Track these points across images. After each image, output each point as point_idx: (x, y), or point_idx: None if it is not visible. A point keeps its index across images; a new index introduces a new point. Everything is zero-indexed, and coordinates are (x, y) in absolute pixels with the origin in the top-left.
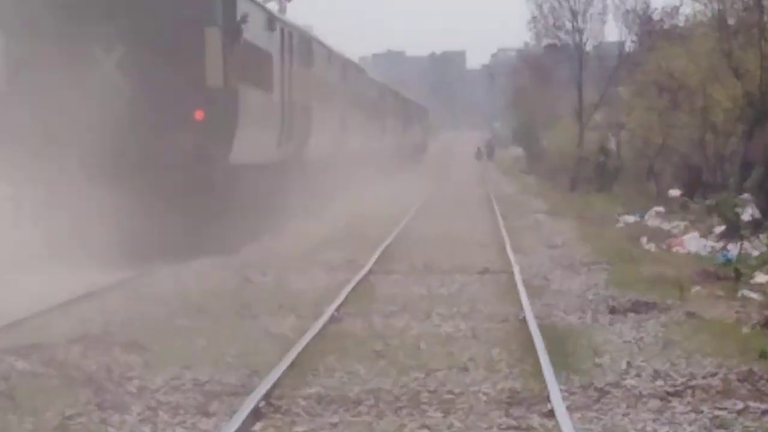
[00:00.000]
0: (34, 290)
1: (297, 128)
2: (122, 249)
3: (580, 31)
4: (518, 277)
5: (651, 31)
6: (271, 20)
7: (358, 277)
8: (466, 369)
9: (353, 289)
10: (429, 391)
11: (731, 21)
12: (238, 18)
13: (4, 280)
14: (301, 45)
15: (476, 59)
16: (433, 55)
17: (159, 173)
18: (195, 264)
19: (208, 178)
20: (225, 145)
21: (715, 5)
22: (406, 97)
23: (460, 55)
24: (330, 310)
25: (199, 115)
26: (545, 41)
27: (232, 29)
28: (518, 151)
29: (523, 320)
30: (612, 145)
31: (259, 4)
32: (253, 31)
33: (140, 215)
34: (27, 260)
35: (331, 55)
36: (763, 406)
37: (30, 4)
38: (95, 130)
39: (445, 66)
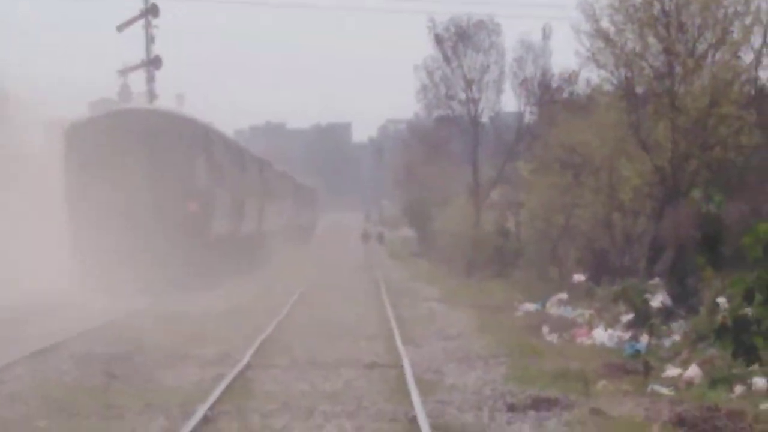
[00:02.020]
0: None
1: (237, 213)
2: (144, 287)
3: (475, 102)
4: (408, 372)
5: (550, 101)
6: (226, 142)
7: (234, 372)
8: None
9: (228, 385)
10: None
11: (639, 90)
12: (212, 147)
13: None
14: (238, 155)
15: (363, 131)
16: (316, 128)
17: (166, 241)
18: (54, 358)
19: (199, 243)
20: (208, 223)
21: (622, 72)
22: (298, 181)
23: (345, 127)
24: (203, 409)
25: (192, 206)
26: (437, 112)
27: (209, 153)
28: (409, 232)
29: (414, 419)
30: (511, 226)
31: (221, 134)
32: (218, 152)
33: (154, 269)
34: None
35: (252, 158)
36: None
37: (93, 151)
38: (133, 220)
39: (329, 139)
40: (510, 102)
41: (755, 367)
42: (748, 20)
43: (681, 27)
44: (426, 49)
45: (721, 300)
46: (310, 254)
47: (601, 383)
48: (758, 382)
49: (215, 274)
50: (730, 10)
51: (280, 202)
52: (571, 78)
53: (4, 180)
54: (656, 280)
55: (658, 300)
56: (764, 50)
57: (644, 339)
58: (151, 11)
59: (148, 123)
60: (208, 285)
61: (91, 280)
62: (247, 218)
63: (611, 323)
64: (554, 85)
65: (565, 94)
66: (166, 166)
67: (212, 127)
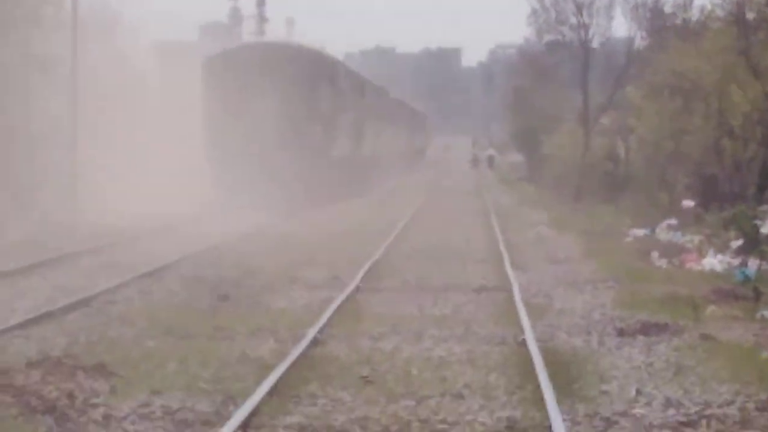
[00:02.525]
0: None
1: (356, 137)
2: (276, 204)
3: (586, 27)
4: (517, 296)
5: (662, 27)
6: (346, 71)
7: (343, 296)
8: (461, 396)
9: (338, 308)
10: (420, 421)
11: (750, 15)
12: (335, 76)
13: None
14: (358, 83)
15: (473, 56)
16: (426, 52)
17: (297, 162)
18: (164, 279)
19: (323, 164)
20: (331, 145)
21: None
22: (412, 107)
23: (456, 52)
24: (312, 332)
25: (316, 129)
26: (547, 37)
27: (332, 81)
28: (517, 157)
29: (523, 343)
30: (620, 151)
31: (343, 65)
32: (340, 80)
33: (286, 186)
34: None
35: (371, 86)
36: None
37: (228, 81)
38: (264, 141)
39: (439, 63)
40: (620, 28)
41: None
42: None
43: None
44: None
45: None
46: (421, 177)
47: (710, 309)
48: None
49: (336, 193)
50: None
51: (394, 127)
52: (684, 4)
53: (118, 103)
54: (766, 207)
55: None
56: None
57: (754, 265)
58: None
59: (277, 55)
60: (328, 204)
61: (225, 199)
62: (365, 142)
63: (721, 249)
64: (667, 11)
65: (678, 21)
66: (294, 93)
67: (335, 58)
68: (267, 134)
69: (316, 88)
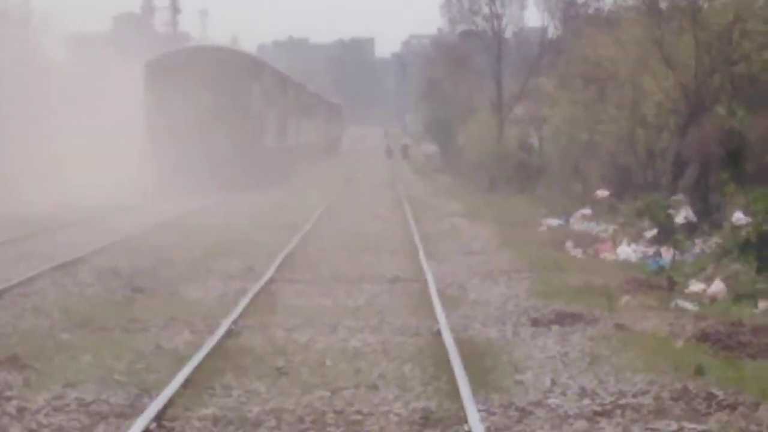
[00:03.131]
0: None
1: (281, 129)
2: (211, 187)
3: (499, 17)
4: (432, 287)
5: (575, 16)
6: (273, 72)
7: (257, 287)
8: (375, 387)
9: (252, 299)
10: (335, 412)
11: (663, 5)
12: (263, 76)
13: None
14: (282, 81)
15: (386, 47)
16: (339, 43)
17: (230, 153)
18: (78, 271)
19: (254, 155)
20: (260, 138)
21: None
22: (327, 99)
23: (369, 43)
24: (227, 324)
25: (250, 124)
26: (460, 27)
27: (262, 82)
28: (432, 147)
29: (438, 333)
30: (534, 141)
31: (270, 65)
32: (269, 80)
33: (217, 174)
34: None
35: (292, 82)
36: (699, 427)
37: (169, 81)
38: (203, 135)
39: (353, 54)
40: (533, 18)
41: None
42: None
43: None
44: None
45: (738, 216)
46: (336, 167)
47: (625, 298)
48: None
49: (265, 181)
50: None
51: (312, 119)
52: None
53: (32, 93)
54: (680, 196)
55: (681, 215)
56: None
57: (668, 254)
58: None
59: (214, 58)
60: (250, 193)
61: (162, 188)
62: (288, 134)
63: (635, 238)
64: (579, 1)
65: (591, 10)
66: (228, 92)
67: (263, 60)
68: (206, 129)
69: (248, 87)
